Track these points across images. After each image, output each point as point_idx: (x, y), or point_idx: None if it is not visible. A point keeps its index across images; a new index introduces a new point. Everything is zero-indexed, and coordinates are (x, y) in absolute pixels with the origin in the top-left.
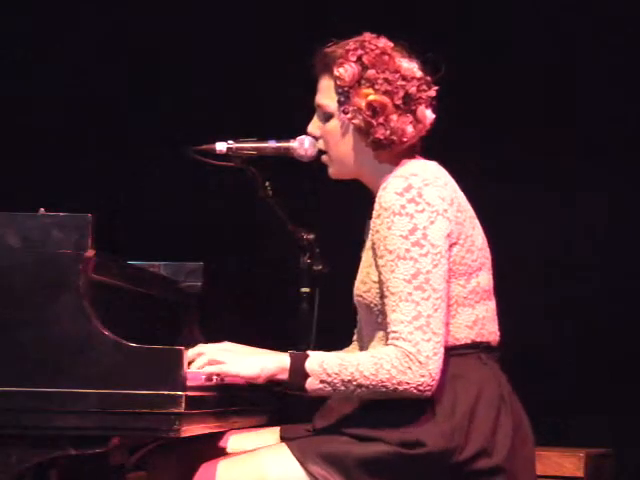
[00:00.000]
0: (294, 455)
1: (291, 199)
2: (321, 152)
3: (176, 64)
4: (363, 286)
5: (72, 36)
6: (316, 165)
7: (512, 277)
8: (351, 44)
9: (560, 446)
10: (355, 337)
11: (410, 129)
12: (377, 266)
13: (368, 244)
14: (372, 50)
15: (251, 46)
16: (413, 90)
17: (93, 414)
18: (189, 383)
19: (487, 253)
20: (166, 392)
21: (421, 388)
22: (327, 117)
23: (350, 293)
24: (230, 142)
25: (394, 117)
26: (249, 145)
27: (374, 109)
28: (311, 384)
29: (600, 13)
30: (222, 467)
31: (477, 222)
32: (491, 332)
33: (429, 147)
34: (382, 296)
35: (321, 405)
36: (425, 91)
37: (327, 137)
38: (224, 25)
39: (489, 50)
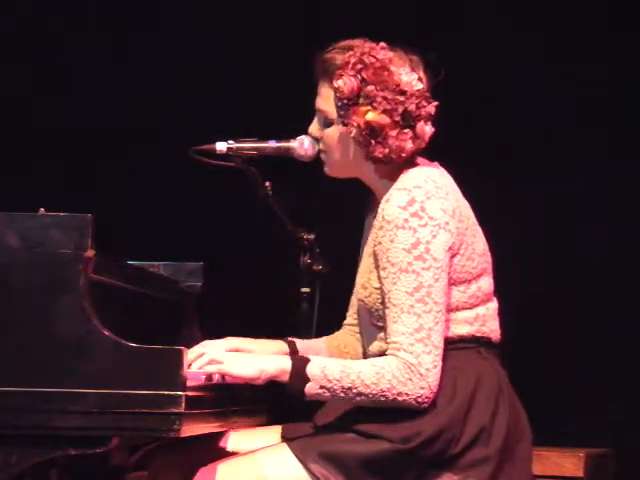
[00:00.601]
0: (295, 455)
1: (291, 199)
2: (321, 151)
3: (176, 64)
4: (364, 291)
5: None
6: (316, 165)
7: (512, 277)
8: (351, 55)
9: (560, 446)
10: (346, 321)
11: (409, 145)
12: (379, 276)
13: (368, 250)
14: (372, 64)
15: (251, 46)
16: (412, 107)
17: (93, 414)
18: (189, 383)
19: (488, 257)
20: (166, 392)
21: (420, 400)
22: (327, 123)
23: (350, 293)
24: (230, 142)
25: (393, 133)
26: (249, 145)
27: (372, 128)
28: (311, 388)
29: None
30: (221, 470)
31: (478, 228)
32: (492, 330)
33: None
34: (382, 302)
35: (322, 404)
36: (424, 107)
37: (327, 141)
38: (224, 25)
39: (490, 50)
